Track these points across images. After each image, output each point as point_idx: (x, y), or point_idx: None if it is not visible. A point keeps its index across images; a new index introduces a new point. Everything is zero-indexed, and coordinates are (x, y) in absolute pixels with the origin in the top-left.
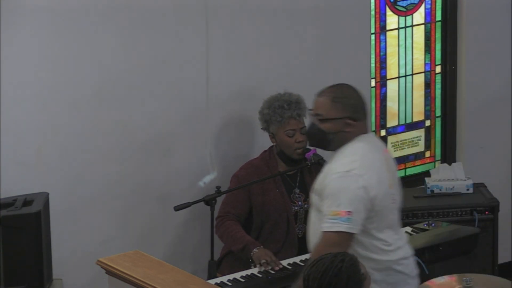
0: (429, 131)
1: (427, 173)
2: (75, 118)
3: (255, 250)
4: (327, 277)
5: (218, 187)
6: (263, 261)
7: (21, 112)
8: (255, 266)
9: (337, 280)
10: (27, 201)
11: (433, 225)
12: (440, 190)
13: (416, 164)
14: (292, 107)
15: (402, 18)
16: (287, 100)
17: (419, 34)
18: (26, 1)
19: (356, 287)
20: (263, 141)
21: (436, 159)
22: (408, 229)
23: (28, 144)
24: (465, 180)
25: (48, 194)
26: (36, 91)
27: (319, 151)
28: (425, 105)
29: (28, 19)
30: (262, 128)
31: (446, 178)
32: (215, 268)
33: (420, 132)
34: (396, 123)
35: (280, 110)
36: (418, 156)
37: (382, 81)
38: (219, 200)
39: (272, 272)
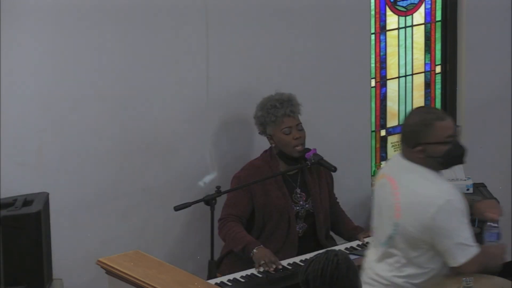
0: None
1: None
2: (75, 118)
3: (254, 250)
4: (328, 271)
5: (218, 187)
6: (262, 262)
7: (21, 112)
8: (257, 267)
9: (339, 272)
10: (27, 201)
11: None
12: None
13: None
14: (284, 105)
15: (402, 18)
16: (279, 99)
17: (419, 34)
18: (27, 1)
19: (355, 276)
20: (263, 141)
21: None
22: None
23: (28, 144)
24: (465, 180)
25: (48, 194)
26: (36, 91)
27: (319, 151)
28: (425, 105)
29: (29, 18)
30: (259, 133)
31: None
32: (215, 268)
33: None
34: (396, 123)
35: (273, 109)
36: None
37: (382, 81)
38: (219, 200)
39: (272, 272)
